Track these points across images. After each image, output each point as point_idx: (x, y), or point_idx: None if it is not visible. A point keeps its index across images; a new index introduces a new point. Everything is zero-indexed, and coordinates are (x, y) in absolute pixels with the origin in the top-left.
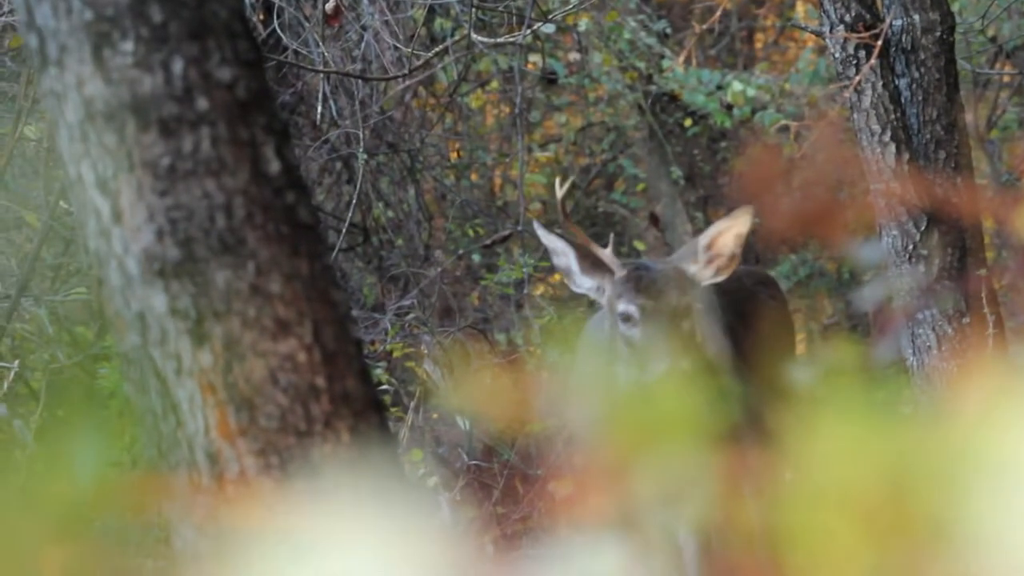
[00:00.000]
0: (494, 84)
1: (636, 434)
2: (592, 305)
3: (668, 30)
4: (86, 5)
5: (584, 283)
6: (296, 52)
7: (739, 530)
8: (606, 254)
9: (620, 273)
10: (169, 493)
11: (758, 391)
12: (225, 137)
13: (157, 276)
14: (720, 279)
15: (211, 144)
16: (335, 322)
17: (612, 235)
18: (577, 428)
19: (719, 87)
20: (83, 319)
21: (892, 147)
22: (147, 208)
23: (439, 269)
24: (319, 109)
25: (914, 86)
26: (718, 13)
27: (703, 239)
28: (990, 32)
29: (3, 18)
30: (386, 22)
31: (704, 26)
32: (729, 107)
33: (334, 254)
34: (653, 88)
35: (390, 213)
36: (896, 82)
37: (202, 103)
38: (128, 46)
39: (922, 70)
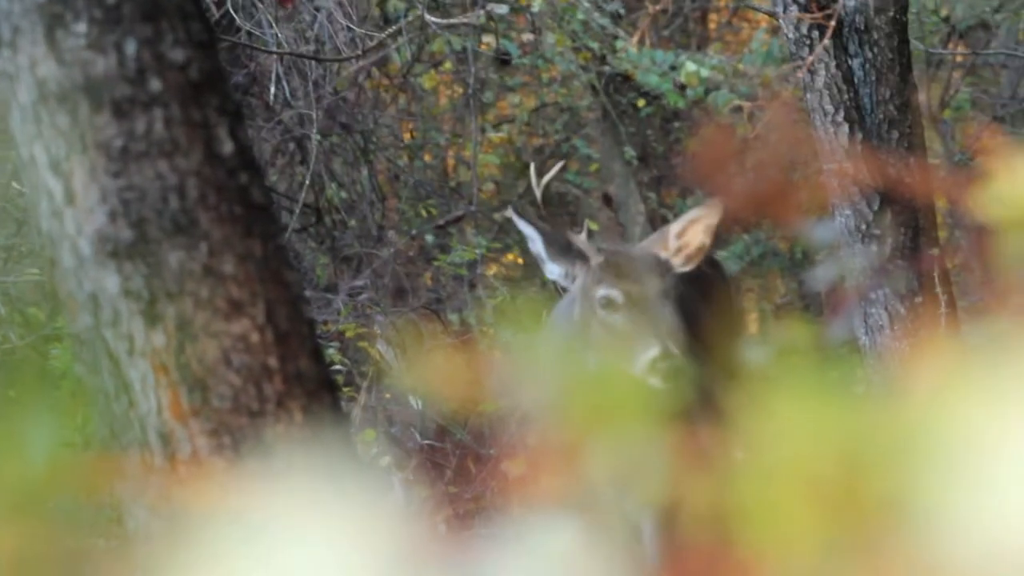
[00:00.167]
0: (447, 65)
1: (589, 414)
2: (546, 285)
3: (621, 11)
4: None
5: (553, 270)
6: (249, 33)
7: (692, 510)
8: (581, 240)
9: (597, 259)
10: (121, 473)
11: (710, 371)
12: (178, 118)
13: (110, 257)
14: (688, 268)
15: (164, 125)
16: (288, 302)
17: (586, 221)
18: (531, 408)
19: (672, 67)
20: (35, 300)
21: (845, 127)
22: (100, 189)
23: (392, 249)
24: (272, 90)
25: (867, 66)
26: None
27: (674, 227)
28: (943, 12)
29: None
30: (339, 3)
31: (658, 6)
32: (682, 87)
33: (287, 235)
34: (606, 69)
35: (343, 194)
36: (849, 62)
37: (155, 84)
38: (81, 27)
39: (875, 50)
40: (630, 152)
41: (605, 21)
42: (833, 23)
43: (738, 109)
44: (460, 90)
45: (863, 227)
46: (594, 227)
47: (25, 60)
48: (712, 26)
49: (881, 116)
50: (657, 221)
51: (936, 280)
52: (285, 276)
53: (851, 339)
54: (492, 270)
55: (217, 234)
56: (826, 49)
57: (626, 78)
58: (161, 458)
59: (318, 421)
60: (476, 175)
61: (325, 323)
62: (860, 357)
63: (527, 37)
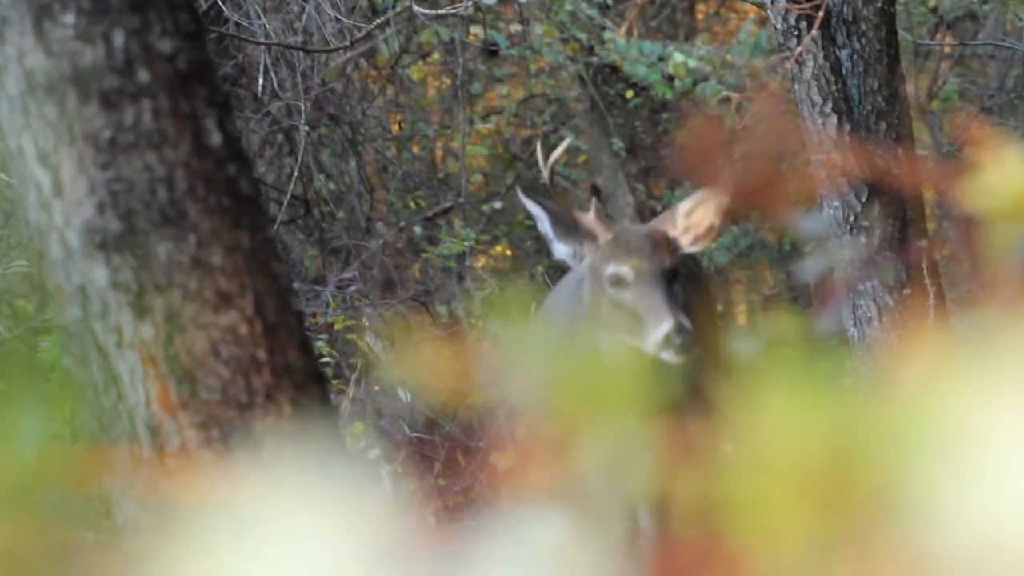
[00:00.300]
0: (435, 56)
1: (578, 406)
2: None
3: (609, 1)
4: None
5: (561, 249)
6: (237, 24)
7: (682, 502)
8: (590, 218)
9: (606, 237)
10: (110, 466)
11: (698, 363)
12: (166, 109)
13: (98, 249)
14: (695, 249)
15: (152, 116)
16: (276, 294)
17: (593, 200)
18: (520, 400)
19: (660, 58)
20: (24, 292)
21: (833, 118)
22: (88, 181)
23: (380, 241)
24: (260, 81)
25: (855, 57)
26: None
27: (683, 207)
28: (931, 3)
29: None
30: None
31: None
32: (670, 78)
33: (275, 226)
34: (594, 60)
35: (331, 185)
36: (837, 53)
37: (143, 75)
38: (69, 18)
39: (863, 41)
40: (618, 143)
41: (593, 12)
42: (821, 14)
43: (726, 100)
44: (448, 81)
45: (851, 218)
46: None
47: (13, 51)
48: (700, 17)
49: (869, 107)
50: (645, 212)
51: (924, 271)
52: (273, 268)
53: (840, 331)
54: (480, 262)
55: (205, 226)
56: (814, 40)
57: (614, 69)
58: (150, 450)
59: (307, 413)
60: (464, 166)
61: (314, 315)
62: (849, 349)
63: (515, 28)
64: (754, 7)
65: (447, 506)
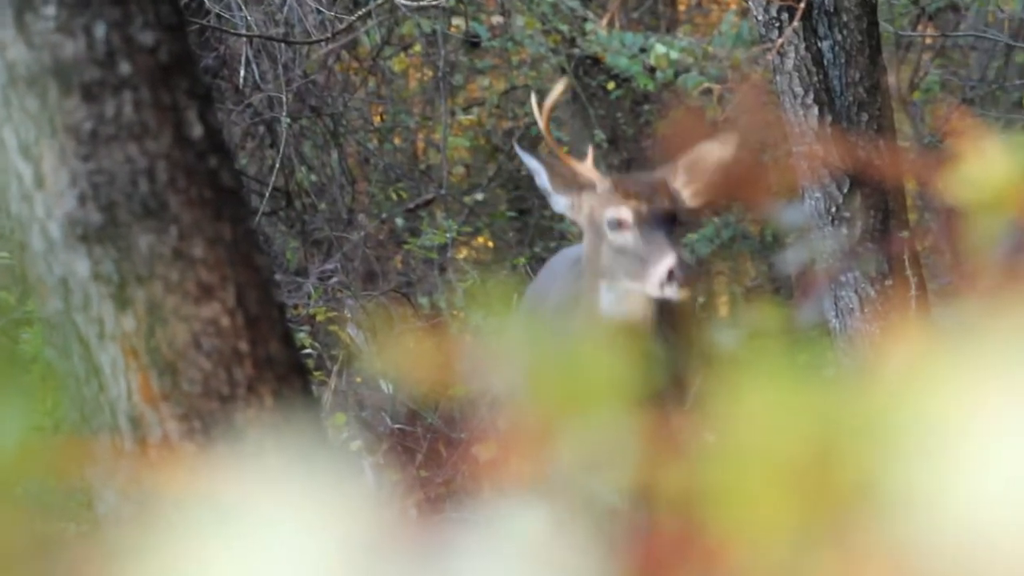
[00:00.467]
0: (417, 48)
1: (560, 396)
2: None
3: None
4: None
5: (560, 202)
6: (219, 16)
7: (663, 493)
8: (586, 167)
9: (604, 184)
10: (92, 458)
11: (680, 354)
12: (147, 101)
13: (80, 241)
14: (693, 205)
15: (133, 108)
16: (258, 286)
17: (591, 147)
18: (501, 391)
19: (642, 50)
20: (5, 284)
21: (815, 109)
22: (70, 173)
23: (362, 233)
24: (242, 73)
25: (837, 48)
26: None
27: (684, 160)
28: None
29: None
30: None
31: None
32: (652, 70)
33: (257, 218)
34: (576, 51)
35: (313, 177)
36: (819, 44)
37: (124, 67)
38: (50, 10)
39: (845, 32)
40: (600, 135)
41: (574, 3)
42: (803, 5)
43: (708, 92)
44: (430, 73)
45: (833, 210)
46: None
47: None
48: (681, 8)
49: (851, 98)
50: None
51: (906, 262)
52: (255, 260)
53: (821, 322)
54: (462, 253)
55: (187, 217)
56: (796, 31)
57: (596, 60)
58: (131, 442)
59: (288, 405)
60: (446, 158)
61: (295, 307)
62: (830, 340)
63: (497, 19)
64: None
65: (429, 497)
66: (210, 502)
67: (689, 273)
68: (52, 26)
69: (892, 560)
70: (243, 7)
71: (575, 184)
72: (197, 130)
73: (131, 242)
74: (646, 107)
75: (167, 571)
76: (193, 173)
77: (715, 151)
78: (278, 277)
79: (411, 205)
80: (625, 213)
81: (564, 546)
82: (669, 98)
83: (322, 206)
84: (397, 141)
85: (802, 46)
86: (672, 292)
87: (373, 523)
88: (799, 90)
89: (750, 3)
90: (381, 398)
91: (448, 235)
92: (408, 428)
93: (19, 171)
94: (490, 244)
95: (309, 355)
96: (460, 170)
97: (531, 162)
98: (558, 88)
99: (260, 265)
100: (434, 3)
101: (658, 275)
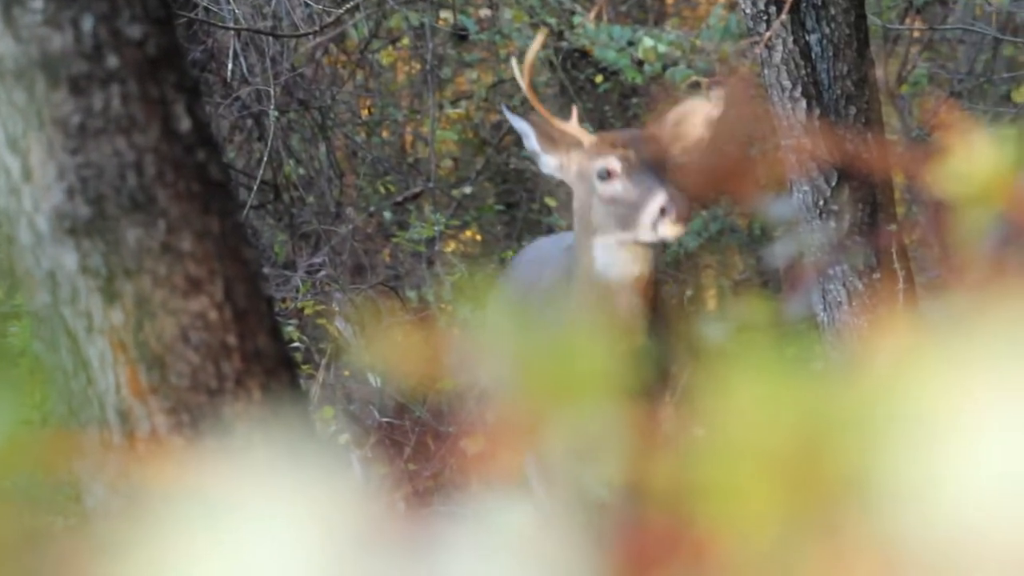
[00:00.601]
0: (405, 41)
1: (548, 388)
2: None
3: None
4: None
5: (549, 162)
6: (206, 9)
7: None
8: (572, 125)
9: (591, 138)
10: (80, 451)
11: (667, 347)
12: (135, 95)
13: (68, 234)
14: (681, 162)
15: (121, 102)
16: (246, 280)
17: (573, 107)
18: (489, 384)
19: (630, 43)
20: None
21: (803, 103)
22: (57, 166)
23: (350, 226)
24: (229, 66)
25: (824, 41)
26: None
27: (672, 116)
28: None
29: None
30: None
31: None
32: (640, 63)
33: (245, 212)
34: (564, 44)
35: (301, 170)
36: (807, 37)
37: (112, 61)
38: (38, 4)
39: (832, 25)
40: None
41: None
42: None
43: (695, 85)
44: (418, 66)
45: (821, 203)
46: (552, 203)
47: None
48: (669, 2)
49: (839, 92)
50: None
51: (894, 256)
52: (243, 253)
53: (809, 315)
54: (450, 247)
55: (175, 211)
56: (783, 24)
57: (584, 54)
58: (120, 436)
59: (276, 399)
60: (434, 151)
61: (283, 300)
62: (818, 333)
63: (484, 13)
64: None
65: (417, 491)
66: (198, 496)
67: (682, 206)
68: (40, 19)
69: (881, 553)
70: (231, 0)
71: (563, 142)
72: (185, 123)
73: (119, 236)
74: (634, 100)
75: (156, 565)
76: (181, 167)
77: (703, 107)
78: (266, 271)
79: (399, 198)
80: (613, 162)
81: (552, 540)
82: (657, 91)
83: (310, 199)
84: (385, 134)
85: (790, 39)
86: (666, 230)
87: (361, 516)
88: (787, 83)
89: None
90: (369, 391)
91: (436, 228)
92: (396, 421)
93: (7, 165)
94: (478, 238)
95: (297, 348)
96: (448, 163)
97: (519, 124)
98: (536, 43)
99: (248, 259)
100: None
101: (650, 214)
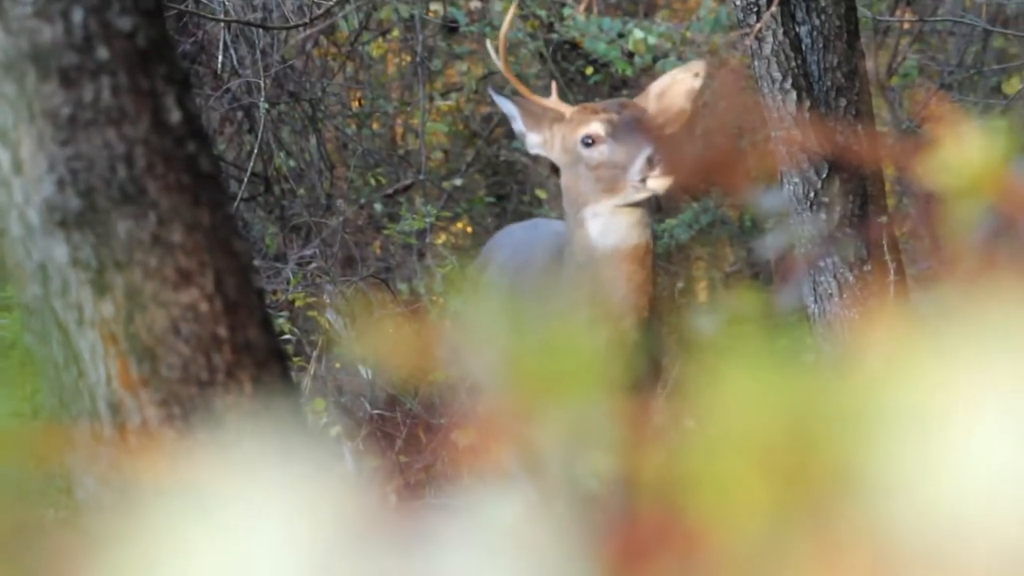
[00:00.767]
0: (395, 33)
1: (540, 381)
2: None
3: None
4: None
5: (534, 140)
6: (196, 1)
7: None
8: (552, 101)
9: (572, 110)
10: (71, 443)
11: (659, 339)
12: (126, 86)
13: (58, 226)
14: (667, 132)
15: (112, 94)
16: (237, 272)
17: (552, 84)
18: (480, 376)
19: (620, 35)
20: None
21: (793, 94)
22: (48, 158)
23: (341, 218)
24: (220, 58)
25: (815, 33)
26: None
27: (655, 88)
28: None
29: None
30: None
31: None
32: (630, 55)
33: (236, 204)
34: (554, 36)
35: (292, 162)
36: (797, 29)
37: (102, 52)
38: None
39: (823, 17)
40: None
41: None
42: None
43: None
44: (408, 58)
45: (811, 195)
46: (543, 195)
47: None
48: None
49: (829, 83)
50: None
51: (885, 248)
52: (234, 245)
53: (800, 307)
54: (441, 239)
55: (165, 203)
56: (773, 16)
57: (574, 46)
58: (111, 428)
59: (268, 391)
60: (424, 143)
61: (274, 292)
62: (809, 325)
63: (475, 5)
64: None
65: (409, 483)
66: (190, 488)
67: (667, 162)
68: (29, 11)
69: (871, 545)
70: None
71: (546, 118)
72: (175, 115)
73: (110, 228)
74: (624, 92)
75: (147, 557)
76: (171, 159)
77: (685, 79)
78: (257, 263)
79: (390, 190)
80: (596, 127)
81: (544, 532)
82: (648, 83)
83: (301, 192)
84: (375, 126)
85: (780, 31)
86: (655, 183)
87: (353, 509)
88: (777, 75)
89: None
90: (360, 384)
91: (427, 220)
92: (388, 414)
93: None
94: (469, 230)
95: (288, 341)
96: (438, 155)
97: (504, 104)
98: (508, 17)
99: (239, 251)
100: None
101: (637, 168)
